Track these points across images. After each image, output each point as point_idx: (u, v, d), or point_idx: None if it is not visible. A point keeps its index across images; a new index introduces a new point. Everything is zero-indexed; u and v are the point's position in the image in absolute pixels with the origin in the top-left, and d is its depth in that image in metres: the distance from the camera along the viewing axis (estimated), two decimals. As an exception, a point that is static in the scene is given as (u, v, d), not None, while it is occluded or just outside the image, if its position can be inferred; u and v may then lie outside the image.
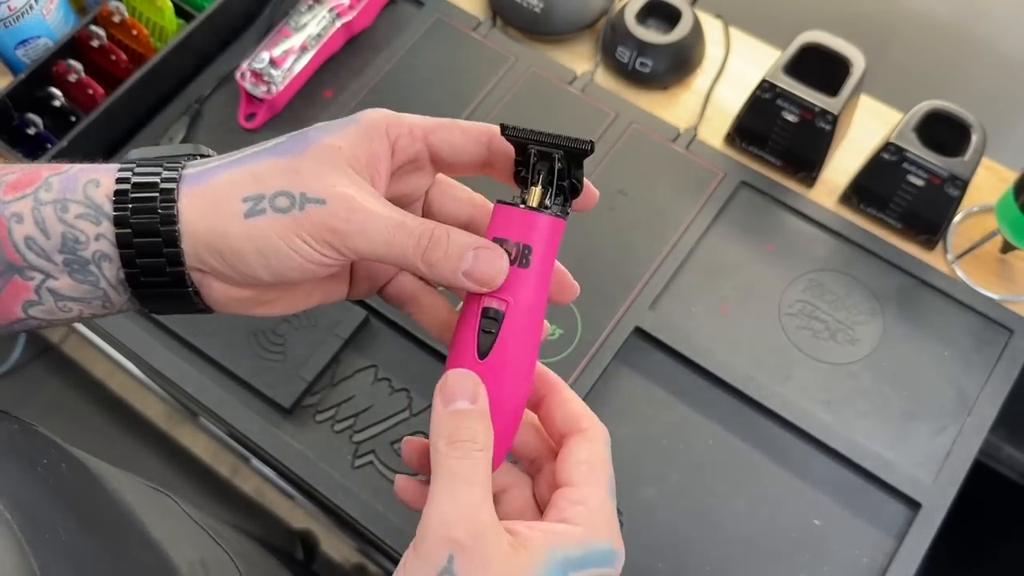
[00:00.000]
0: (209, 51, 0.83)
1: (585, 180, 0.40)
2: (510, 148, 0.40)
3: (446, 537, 0.33)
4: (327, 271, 0.38)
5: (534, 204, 0.38)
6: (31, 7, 0.77)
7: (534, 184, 0.39)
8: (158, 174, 0.37)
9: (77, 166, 0.38)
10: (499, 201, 0.39)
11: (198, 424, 0.92)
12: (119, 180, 0.37)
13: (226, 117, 0.81)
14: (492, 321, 0.38)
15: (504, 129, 0.39)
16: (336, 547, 0.87)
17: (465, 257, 0.37)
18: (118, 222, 0.37)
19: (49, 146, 0.75)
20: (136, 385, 0.91)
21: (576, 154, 0.38)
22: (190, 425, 0.93)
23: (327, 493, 0.66)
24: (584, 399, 0.67)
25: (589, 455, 0.39)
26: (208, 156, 0.40)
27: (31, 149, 0.76)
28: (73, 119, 0.78)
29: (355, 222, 0.36)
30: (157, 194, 0.37)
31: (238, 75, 0.79)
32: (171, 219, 0.37)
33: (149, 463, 0.89)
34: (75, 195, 0.37)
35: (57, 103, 0.79)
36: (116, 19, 0.80)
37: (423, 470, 0.40)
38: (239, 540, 0.64)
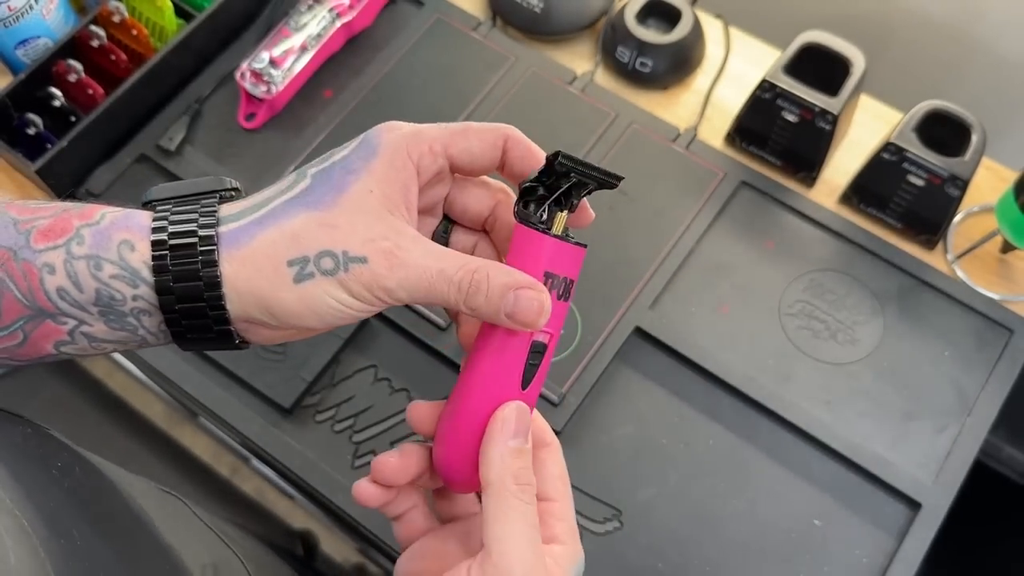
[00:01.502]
0: (209, 51, 0.83)
1: (585, 202, 0.41)
2: (524, 152, 0.40)
3: None
4: (374, 312, 0.39)
5: (559, 232, 0.39)
6: (31, 7, 0.77)
7: (566, 209, 0.39)
8: (194, 232, 0.37)
9: (108, 216, 0.38)
10: (525, 222, 0.39)
11: (198, 424, 0.92)
12: (155, 244, 0.37)
13: (226, 117, 0.81)
14: (538, 354, 0.39)
15: (559, 156, 0.38)
16: (336, 547, 0.86)
17: (507, 299, 0.37)
18: (160, 290, 0.37)
19: (49, 146, 0.75)
20: (136, 385, 0.91)
21: (606, 186, 0.40)
22: (190, 425, 0.93)
23: (327, 493, 0.66)
24: (584, 399, 0.68)
25: (560, 470, 0.41)
26: (234, 190, 0.40)
27: (31, 149, 0.76)
28: (73, 119, 0.78)
29: (396, 279, 0.37)
30: (198, 257, 0.37)
31: (238, 75, 0.79)
32: (215, 282, 0.37)
33: (149, 463, 0.89)
34: (109, 254, 0.37)
35: (57, 103, 0.79)
36: (116, 19, 0.80)
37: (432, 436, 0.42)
38: (247, 541, 0.64)
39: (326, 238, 0.37)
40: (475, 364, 0.40)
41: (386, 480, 0.42)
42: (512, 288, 0.37)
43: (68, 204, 0.39)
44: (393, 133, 0.39)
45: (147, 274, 0.37)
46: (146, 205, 0.39)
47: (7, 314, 0.37)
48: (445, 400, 0.42)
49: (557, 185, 0.39)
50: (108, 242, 0.37)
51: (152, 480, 0.54)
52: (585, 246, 0.40)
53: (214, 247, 0.37)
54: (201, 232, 0.37)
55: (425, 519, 0.44)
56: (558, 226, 0.39)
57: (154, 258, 0.37)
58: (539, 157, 0.40)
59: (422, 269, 0.37)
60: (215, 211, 0.38)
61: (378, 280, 0.37)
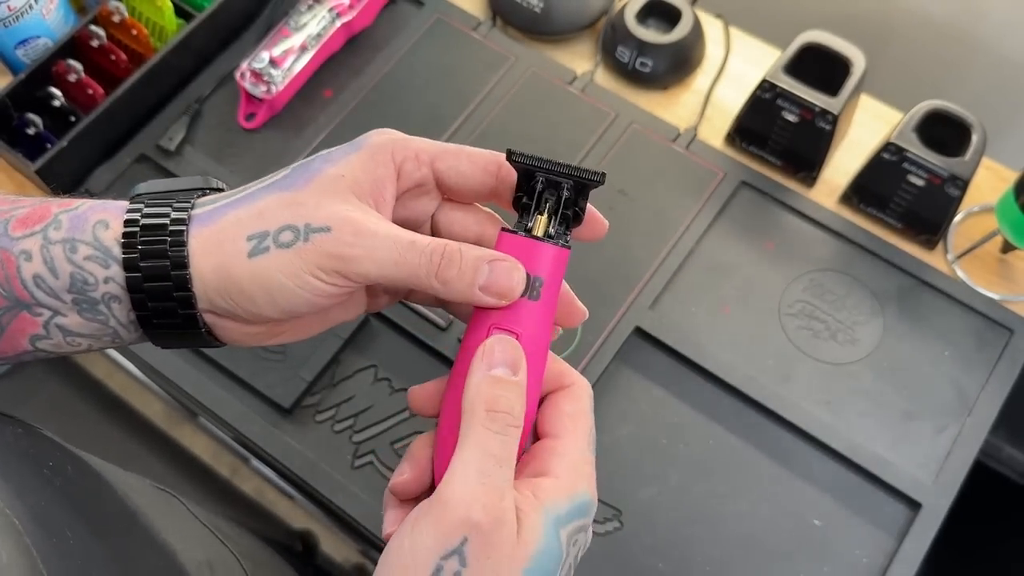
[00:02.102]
0: (209, 51, 0.83)
1: (594, 210, 0.40)
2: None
3: (466, 518, 0.33)
4: (336, 301, 0.37)
5: (539, 233, 0.38)
6: (31, 7, 0.77)
7: (540, 212, 0.38)
8: (167, 215, 0.37)
9: (87, 203, 0.38)
10: (504, 229, 0.38)
11: (198, 424, 0.92)
12: (127, 222, 0.37)
13: (226, 117, 0.81)
14: None
15: (510, 155, 0.38)
16: (336, 547, 0.86)
17: (480, 270, 0.36)
18: (128, 266, 0.36)
19: (49, 146, 0.75)
20: (136, 385, 0.91)
21: (585, 185, 0.38)
22: (190, 425, 0.93)
23: (327, 493, 0.66)
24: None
25: (573, 408, 0.38)
26: (219, 189, 0.40)
27: (31, 149, 0.76)
28: (73, 119, 0.78)
29: (362, 245, 0.36)
30: (167, 237, 0.36)
31: (238, 75, 0.79)
32: (182, 262, 0.36)
33: (149, 463, 0.89)
34: (84, 235, 0.37)
35: (57, 103, 0.79)
36: (116, 19, 0.80)
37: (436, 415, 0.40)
38: (244, 539, 0.64)
39: (289, 214, 0.36)
40: (453, 368, 0.39)
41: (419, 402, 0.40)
42: (485, 260, 0.36)
43: (50, 198, 0.39)
44: (381, 136, 0.39)
45: (117, 251, 0.36)
46: (133, 199, 0.39)
47: None
48: (442, 378, 0.41)
49: (532, 189, 0.38)
50: (84, 224, 0.37)
51: (150, 479, 0.54)
52: (568, 248, 0.38)
53: (184, 227, 0.36)
54: (173, 215, 0.37)
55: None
56: (538, 228, 0.38)
57: (124, 235, 0.36)
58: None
59: (392, 239, 0.36)
60: (191, 201, 0.38)
61: (342, 250, 0.35)
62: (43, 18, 0.79)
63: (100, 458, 0.47)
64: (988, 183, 0.78)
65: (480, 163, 0.39)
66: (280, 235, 0.36)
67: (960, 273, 0.74)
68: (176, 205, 0.37)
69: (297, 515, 0.85)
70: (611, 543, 0.64)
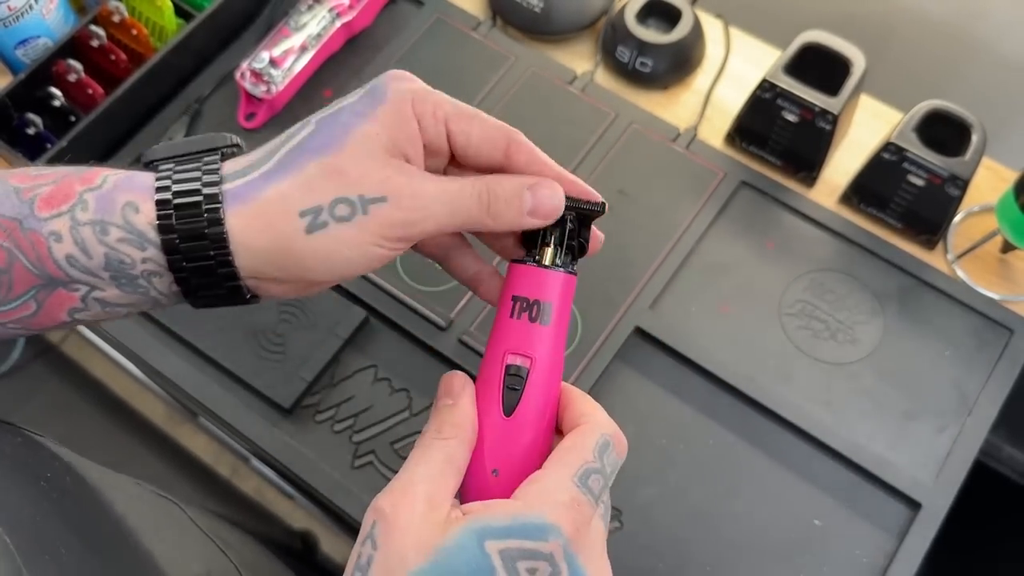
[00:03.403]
0: (209, 51, 0.83)
1: (593, 228, 0.42)
2: (530, 157, 0.40)
3: (375, 506, 0.36)
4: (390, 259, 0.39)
5: (547, 263, 0.40)
6: (31, 7, 0.77)
7: (546, 244, 0.40)
8: (198, 191, 0.36)
9: (110, 179, 0.37)
10: (513, 260, 0.41)
11: (198, 424, 0.92)
12: (159, 203, 0.36)
13: (226, 117, 0.81)
14: (517, 378, 0.39)
15: None
16: (336, 547, 0.87)
17: (524, 199, 0.38)
18: (167, 249, 0.36)
19: (49, 146, 0.75)
20: (136, 385, 0.91)
21: (587, 216, 0.41)
22: (190, 425, 0.93)
23: (327, 493, 0.66)
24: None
25: (572, 443, 0.38)
26: (235, 146, 0.39)
27: (31, 149, 0.76)
28: (73, 119, 0.78)
29: (419, 208, 0.37)
30: (204, 223, 0.36)
31: (238, 75, 0.79)
32: (221, 241, 0.36)
33: (149, 463, 0.89)
34: (113, 218, 0.37)
35: (57, 103, 0.79)
36: (116, 19, 0.80)
37: None
38: (245, 545, 0.64)
39: (338, 185, 0.36)
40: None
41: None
42: (525, 186, 0.39)
43: (68, 169, 0.38)
44: (402, 83, 0.40)
45: (153, 235, 0.36)
46: (147, 165, 0.39)
47: (18, 284, 0.37)
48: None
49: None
50: (112, 205, 0.37)
51: (151, 482, 0.54)
52: (573, 274, 0.40)
53: (219, 205, 0.36)
54: (205, 190, 0.36)
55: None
56: (545, 258, 0.40)
57: (159, 218, 0.36)
58: (547, 164, 0.40)
59: (442, 192, 0.37)
60: (218, 168, 0.37)
61: (403, 215, 0.37)
62: (43, 18, 0.79)
63: (101, 459, 0.47)
64: (988, 183, 0.78)
65: (491, 133, 0.40)
66: (335, 209, 0.36)
67: (960, 273, 0.74)
68: (205, 179, 0.37)
69: (297, 515, 0.85)
70: (611, 543, 0.64)
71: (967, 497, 0.65)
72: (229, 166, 0.38)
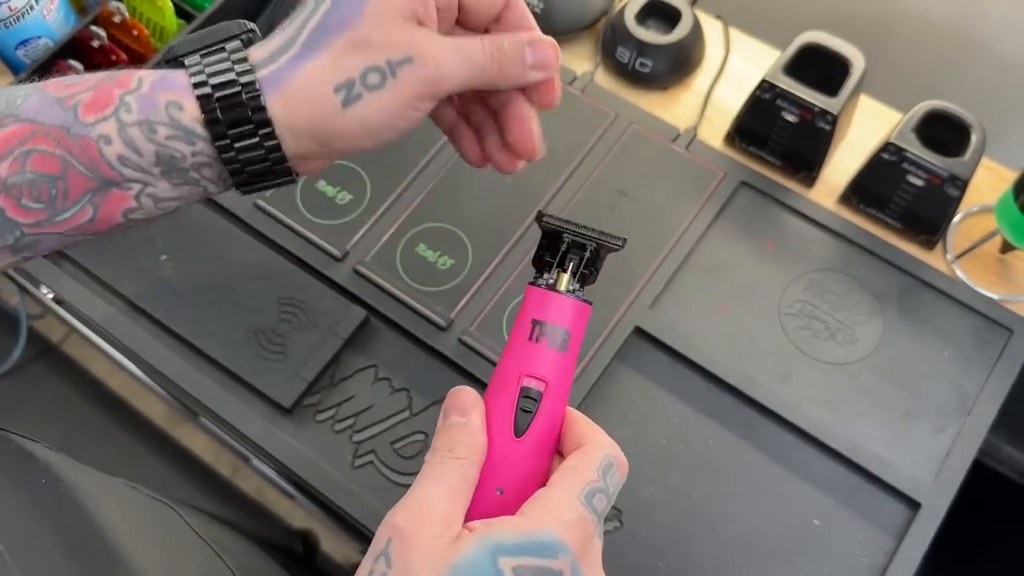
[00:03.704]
0: (209, 51, 0.83)
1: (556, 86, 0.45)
2: (521, 12, 0.44)
3: (390, 523, 0.36)
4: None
5: (563, 289, 0.41)
6: (32, 7, 0.77)
7: (563, 270, 0.41)
8: (235, 82, 0.38)
9: (145, 80, 0.39)
10: (530, 283, 0.42)
11: (198, 424, 0.92)
12: (200, 100, 0.38)
13: (226, 117, 0.81)
14: (531, 401, 0.40)
15: (540, 217, 0.42)
16: (336, 547, 0.87)
17: (525, 55, 0.41)
18: (217, 142, 0.38)
19: (49, 146, 0.75)
20: (136, 385, 0.91)
21: (608, 249, 0.42)
22: (190, 425, 0.93)
23: (327, 493, 0.66)
24: (584, 399, 0.68)
25: (577, 463, 0.38)
26: (250, 31, 0.41)
27: (31, 149, 0.76)
28: (73, 119, 0.78)
29: (443, 65, 0.39)
30: (248, 112, 0.38)
31: (238, 75, 0.79)
32: (267, 124, 0.38)
33: (149, 463, 0.89)
34: (159, 117, 0.38)
35: (57, 103, 0.79)
36: (116, 19, 0.80)
37: None
38: (241, 548, 0.64)
39: (366, 55, 0.38)
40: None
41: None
42: (524, 43, 0.41)
43: (101, 74, 0.40)
44: None
45: (201, 130, 0.38)
46: (171, 62, 0.40)
47: (74, 190, 0.38)
48: None
49: (556, 248, 0.41)
50: (155, 106, 0.38)
51: (151, 482, 0.54)
52: (590, 303, 0.41)
53: (258, 92, 0.38)
54: (242, 79, 0.38)
55: None
56: (561, 284, 0.41)
57: (204, 112, 0.38)
58: (534, 23, 0.44)
59: (461, 50, 0.40)
60: (245, 56, 0.39)
61: (430, 73, 0.39)
62: (44, 18, 0.79)
63: (101, 459, 0.47)
64: (988, 183, 0.78)
65: None
66: (367, 78, 0.39)
67: (960, 273, 0.74)
68: (237, 69, 0.39)
69: (297, 515, 0.85)
70: (611, 543, 0.64)
71: (966, 497, 0.65)
72: (255, 53, 0.39)
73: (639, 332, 0.71)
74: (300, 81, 0.38)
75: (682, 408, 0.69)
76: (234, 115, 0.38)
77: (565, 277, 0.41)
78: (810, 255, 0.74)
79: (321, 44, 0.38)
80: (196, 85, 0.38)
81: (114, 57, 0.80)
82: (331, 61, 0.38)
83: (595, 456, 0.39)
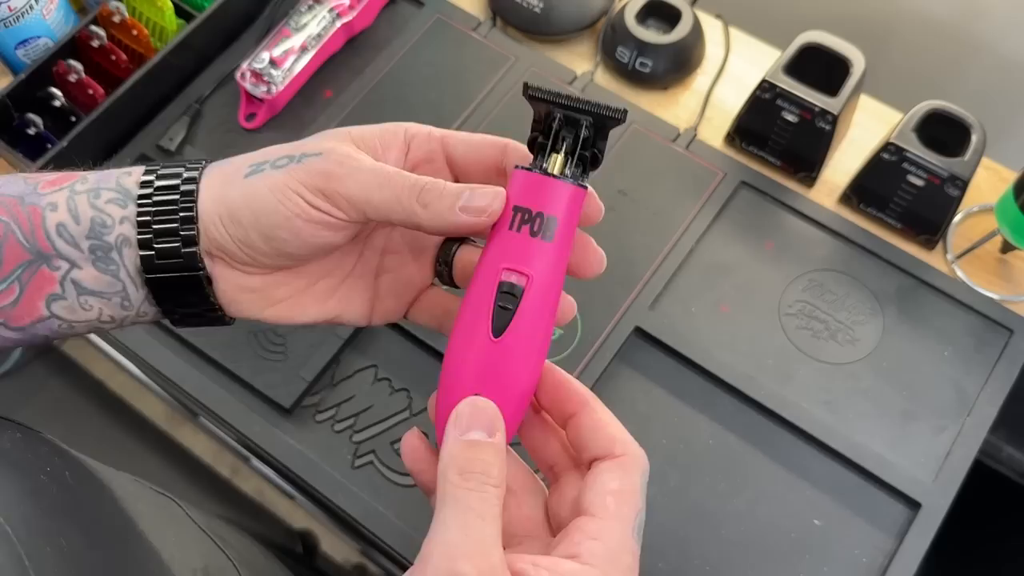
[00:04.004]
0: (209, 51, 0.83)
1: (595, 197, 0.38)
2: (526, 156, 0.38)
3: (451, 570, 0.31)
4: (321, 235, 0.38)
5: (555, 172, 0.36)
6: (31, 7, 0.77)
7: (556, 151, 0.36)
8: (183, 165, 0.39)
9: (113, 169, 0.41)
10: (518, 167, 0.37)
11: (198, 424, 0.92)
12: (147, 171, 0.39)
13: (226, 117, 0.81)
14: (510, 297, 0.35)
15: (527, 88, 0.36)
16: (336, 547, 0.86)
17: (462, 194, 0.36)
18: (141, 202, 0.38)
19: (49, 146, 0.75)
20: (136, 385, 0.90)
21: (605, 122, 0.36)
22: (190, 425, 0.93)
23: (327, 493, 0.66)
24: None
25: (620, 486, 0.35)
26: None
27: (31, 149, 0.76)
28: (73, 119, 0.78)
29: (347, 166, 0.37)
30: (179, 180, 0.38)
31: (238, 75, 0.79)
32: (190, 197, 0.38)
33: (149, 463, 0.89)
34: (108, 184, 0.39)
35: (57, 103, 0.79)
36: (116, 19, 0.80)
37: (421, 477, 0.38)
38: (243, 543, 0.64)
39: (291, 149, 0.38)
40: (455, 320, 0.37)
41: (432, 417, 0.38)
42: (470, 188, 0.36)
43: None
44: (402, 123, 0.41)
45: (136, 192, 0.39)
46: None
47: (8, 261, 0.38)
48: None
49: (549, 128, 0.37)
50: (110, 176, 0.39)
51: (150, 481, 0.54)
52: (585, 188, 0.37)
53: (197, 173, 0.39)
54: (190, 164, 0.39)
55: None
56: (553, 167, 0.36)
57: (145, 172, 0.39)
58: None
59: (378, 168, 0.37)
60: (208, 160, 0.41)
61: (328, 168, 0.37)
62: (43, 18, 0.79)
63: (101, 458, 0.47)
64: (988, 183, 0.78)
65: (488, 139, 0.40)
66: (277, 161, 0.38)
67: (960, 273, 0.74)
68: (191, 163, 0.40)
69: (297, 515, 0.85)
70: (611, 543, 0.64)
71: (967, 497, 0.65)
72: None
73: (639, 332, 0.71)
74: (231, 163, 0.39)
75: (682, 408, 0.68)
76: (166, 182, 0.38)
77: (558, 158, 0.36)
78: (810, 255, 0.74)
79: (270, 148, 0.40)
80: (150, 167, 0.40)
81: (114, 57, 0.80)
82: (262, 152, 0.39)
83: (637, 475, 0.36)
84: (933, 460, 0.66)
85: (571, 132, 0.36)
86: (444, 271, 0.42)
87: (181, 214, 0.38)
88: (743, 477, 0.66)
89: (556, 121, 0.36)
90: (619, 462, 0.36)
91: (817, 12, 0.98)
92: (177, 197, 0.38)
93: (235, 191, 0.38)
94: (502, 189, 0.36)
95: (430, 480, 0.37)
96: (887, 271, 0.73)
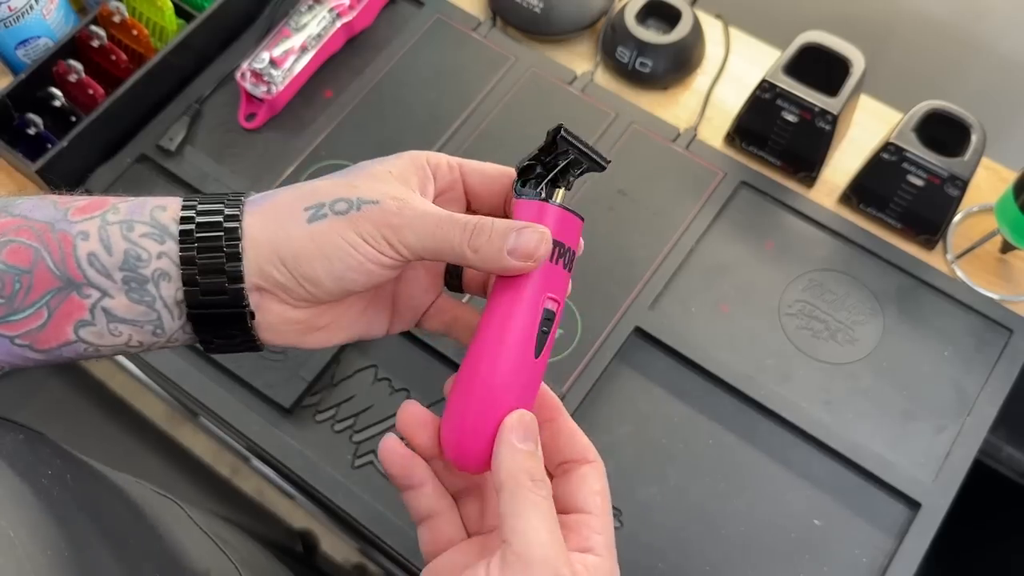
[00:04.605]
0: (209, 51, 0.83)
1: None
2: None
3: (557, 573, 0.36)
4: (384, 273, 0.40)
5: (565, 206, 0.41)
6: (31, 7, 0.77)
7: (558, 186, 0.41)
8: (221, 201, 0.40)
9: (143, 197, 0.41)
10: (519, 196, 0.41)
11: (198, 424, 0.92)
12: (185, 206, 0.39)
13: (226, 117, 0.81)
14: (548, 322, 0.40)
15: (563, 132, 0.41)
16: (336, 547, 0.86)
17: (509, 237, 0.39)
18: (183, 239, 0.38)
19: (49, 146, 0.75)
20: (136, 385, 0.90)
21: (596, 168, 0.42)
22: (190, 425, 0.93)
23: (327, 493, 0.66)
24: (584, 399, 0.68)
25: (601, 486, 0.40)
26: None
27: (31, 149, 0.76)
28: (73, 119, 0.78)
29: (405, 216, 0.39)
30: (221, 218, 0.39)
31: (238, 75, 0.79)
32: (235, 235, 0.38)
33: (149, 463, 0.89)
34: (142, 217, 0.39)
35: (57, 103, 0.79)
36: (116, 19, 0.80)
37: (402, 476, 0.41)
38: (243, 544, 0.64)
39: (344, 191, 0.39)
40: (487, 333, 0.40)
41: (408, 427, 0.42)
42: (515, 229, 0.39)
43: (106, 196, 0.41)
44: (417, 151, 0.43)
45: (174, 229, 0.39)
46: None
47: (37, 287, 0.38)
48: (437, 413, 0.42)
49: (555, 163, 0.41)
50: (143, 208, 0.39)
51: (151, 481, 0.54)
52: (583, 218, 0.41)
53: (238, 210, 0.39)
54: (228, 201, 0.40)
55: (451, 528, 0.43)
56: (558, 199, 0.41)
57: (183, 209, 0.39)
58: None
59: (432, 213, 0.39)
60: (245, 194, 0.41)
61: (388, 218, 0.39)
62: (43, 18, 0.79)
63: (101, 458, 0.47)
64: (988, 183, 0.78)
65: (501, 171, 0.43)
66: (335, 205, 0.39)
67: (960, 273, 0.74)
68: (229, 199, 0.40)
69: (297, 515, 0.85)
70: (611, 543, 0.64)
71: (966, 497, 0.65)
72: (254, 194, 0.41)
73: (639, 332, 0.71)
74: (277, 201, 0.40)
75: (682, 408, 0.68)
76: (208, 219, 0.39)
77: (562, 193, 0.41)
78: (810, 255, 0.74)
79: (312, 182, 0.40)
80: (187, 198, 0.40)
81: (114, 57, 0.80)
82: (311, 190, 0.40)
83: (604, 477, 0.41)
84: (933, 460, 0.66)
85: (573, 172, 0.42)
86: (453, 279, 0.46)
87: (226, 250, 0.38)
88: (743, 477, 0.66)
89: (569, 162, 0.41)
90: (594, 466, 0.41)
91: (817, 12, 0.98)
92: (221, 234, 0.38)
93: (299, 232, 0.39)
94: (547, 231, 0.40)
95: (410, 478, 0.42)
96: (887, 271, 0.73)
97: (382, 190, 0.39)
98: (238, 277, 0.38)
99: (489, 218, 0.40)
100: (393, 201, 0.39)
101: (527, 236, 0.39)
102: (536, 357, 0.40)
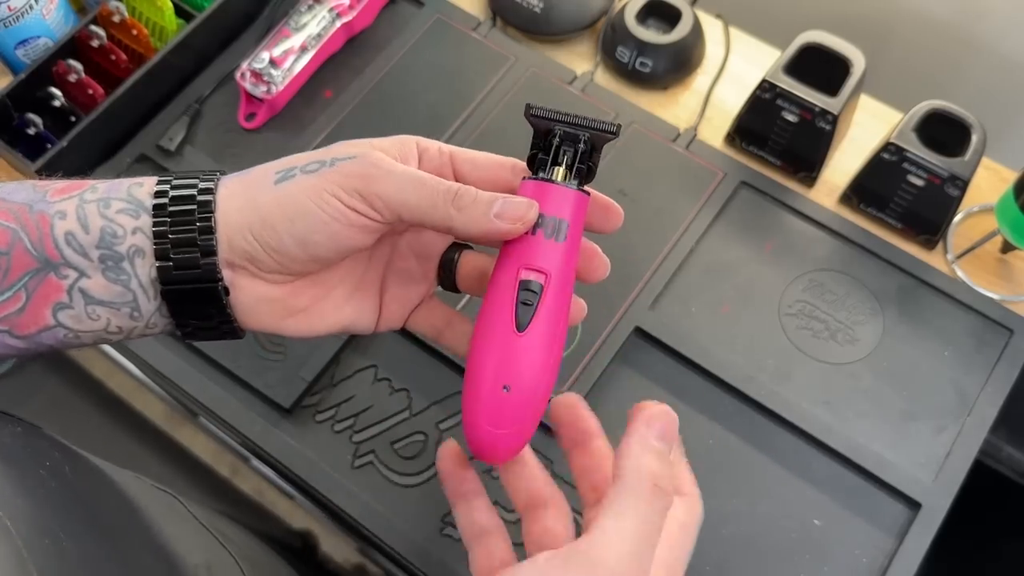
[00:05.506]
0: (209, 51, 0.83)
1: (609, 199, 0.41)
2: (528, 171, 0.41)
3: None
4: (354, 236, 0.38)
5: (560, 181, 0.40)
6: (31, 7, 0.77)
7: (558, 164, 0.40)
8: (197, 176, 0.39)
9: (124, 178, 0.40)
10: (526, 178, 0.40)
11: (198, 424, 0.92)
12: (160, 181, 0.39)
13: (226, 117, 0.81)
14: (531, 294, 0.39)
15: (529, 109, 0.39)
16: (336, 547, 0.86)
17: (495, 203, 0.38)
18: (156, 212, 0.38)
19: (49, 146, 0.75)
20: (135, 385, 0.90)
21: (601, 137, 0.40)
22: (190, 425, 0.92)
23: (327, 493, 0.66)
24: (584, 399, 0.67)
25: (687, 519, 0.42)
26: None
27: (31, 149, 0.76)
28: (73, 119, 0.78)
29: (383, 169, 0.37)
30: (195, 191, 0.38)
31: (238, 75, 0.79)
32: (208, 208, 0.38)
33: (149, 463, 0.89)
34: (119, 194, 0.39)
35: (57, 103, 0.79)
36: (116, 19, 0.80)
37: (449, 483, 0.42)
38: (243, 539, 0.64)
39: (319, 155, 0.38)
40: (478, 317, 0.40)
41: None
42: (501, 196, 0.38)
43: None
44: (409, 135, 0.42)
45: (150, 203, 0.38)
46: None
47: (15, 269, 0.37)
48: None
49: (549, 144, 0.40)
50: (120, 186, 0.39)
51: (150, 479, 0.54)
52: (588, 193, 0.40)
53: (213, 184, 0.39)
54: (204, 175, 0.39)
55: (504, 552, 0.41)
56: (557, 177, 0.40)
57: (158, 183, 0.39)
58: None
59: (413, 171, 0.38)
60: (222, 171, 0.41)
61: (364, 170, 0.37)
62: (43, 18, 0.79)
63: (100, 457, 0.47)
64: (988, 183, 0.78)
65: (496, 158, 0.42)
66: (307, 166, 0.38)
67: (960, 273, 0.74)
68: (206, 172, 0.40)
69: (297, 515, 0.85)
70: (611, 543, 0.64)
71: (967, 497, 0.65)
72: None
73: (639, 332, 0.70)
74: (252, 172, 0.39)
75: (682, 408, 0.68)
76: (182, 192, 0.38)
77: (560, 170, 0.40)
78: (810, 255, 0.74)
79: (291, 156, 0.40)
80: (165, 172, 0.40)
81: (114, 57, 0.80)
82: (286, 160, 0.39)
83: (689, 512, 0.43)
84: (933, 460, 0.66)
85: (570, 147, 0.40)
86: (447, 277, 0.44)
87: (199, 224, 0.37)
88: (743, 477, 0.66)
89: (556, 137, 0.40)
90: (686, 499, 0.43)
91: (817, 12, 0.98)
92: (194, 207, 0.38)
93: (265, 197, 0.38)
94: (535, 200, 0.39)
95: (460, 484, 0.42)
96: (887, 271, 0.73)
97: (361, 150, 0.38)
98: (211, 251, 0.38)
99: (474, 188, 0.39)
100: (370, 156, 0.38)
101: (513, 200, 0.38)
102: (520, 331, 0.38)
